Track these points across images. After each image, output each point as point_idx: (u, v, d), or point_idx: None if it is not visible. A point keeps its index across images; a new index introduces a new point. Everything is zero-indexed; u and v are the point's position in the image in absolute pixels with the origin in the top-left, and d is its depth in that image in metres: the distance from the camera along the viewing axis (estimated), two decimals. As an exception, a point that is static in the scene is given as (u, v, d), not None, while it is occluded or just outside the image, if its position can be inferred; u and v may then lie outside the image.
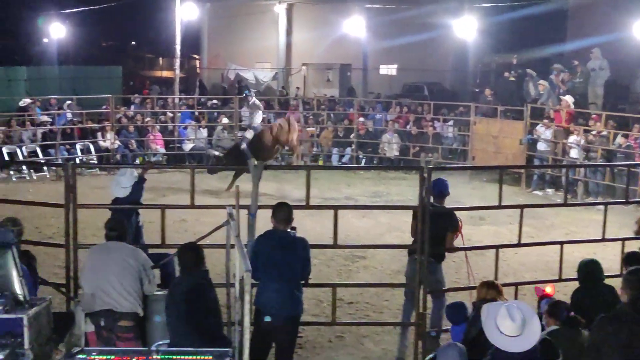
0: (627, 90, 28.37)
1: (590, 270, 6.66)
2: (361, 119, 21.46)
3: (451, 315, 6.76)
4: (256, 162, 7.09)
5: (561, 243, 8.51)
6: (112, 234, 6.76)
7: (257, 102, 18.44)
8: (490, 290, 6.19)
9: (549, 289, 6.69)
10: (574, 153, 17.44)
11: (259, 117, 18.15)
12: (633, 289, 5.25)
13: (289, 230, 6.72)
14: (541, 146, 18.24)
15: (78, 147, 19.88)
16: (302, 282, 6.84)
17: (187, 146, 21.16)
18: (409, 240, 11.10)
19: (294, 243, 6.69)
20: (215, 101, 24.99)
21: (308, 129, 21.73)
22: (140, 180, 8.04)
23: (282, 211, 6.75)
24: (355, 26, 26.09)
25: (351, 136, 21.16)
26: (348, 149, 21.28)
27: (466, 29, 20.98)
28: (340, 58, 35.14)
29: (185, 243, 6.57)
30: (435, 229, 7.60)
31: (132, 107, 23.08)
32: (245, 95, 19.16)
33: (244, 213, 7.02)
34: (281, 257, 6.58)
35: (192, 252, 6.23)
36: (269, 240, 6.69)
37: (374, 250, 11.79)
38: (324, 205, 12.62)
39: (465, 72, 34.12)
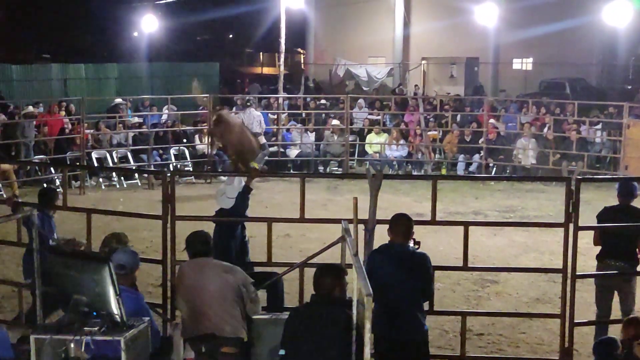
0: None
1: None
2: (492, 121, 21.18)
3: (601, 355, 6.52)
4: (374, 172, 7.11)
5: None
6: (199, 249, 6.81)
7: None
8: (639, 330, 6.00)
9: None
10: None
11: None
12: None
13: (409, 245, 6.73)
14: None
15: (172, 152, 20.47)
16: (425, 304, 6.82)
17: (293, 152, 21.47)
18: (548, 262, 10.91)
19: (414, 259, 6.70)
20: (323, 101, 25.25)
21: (430, 133, 21.63)
22: (246, 190, 8.18)
23: (401, 223, 6.76)
24: (486, 14, 25.79)
25: (480, 141, 20.91)
26: (476, 156, 21.03)
27: (618, 15, 20.31)
28: (466, 51, 34.92)
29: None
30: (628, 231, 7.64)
31: (234, 108, 23.60)
32: None
33: (360, 229, 7.07)
34: (399, 275, 6.60)
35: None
36: (384, 255, 6.71)
37: (507, 274, 11.59)
38: (451, 220, 12.52)
39: (615, 67, 33.17)
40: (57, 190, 10.08)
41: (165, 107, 22.70)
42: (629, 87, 28.50)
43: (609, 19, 21.04)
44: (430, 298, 7.06)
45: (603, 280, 8.62)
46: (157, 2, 34.49)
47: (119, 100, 23.28)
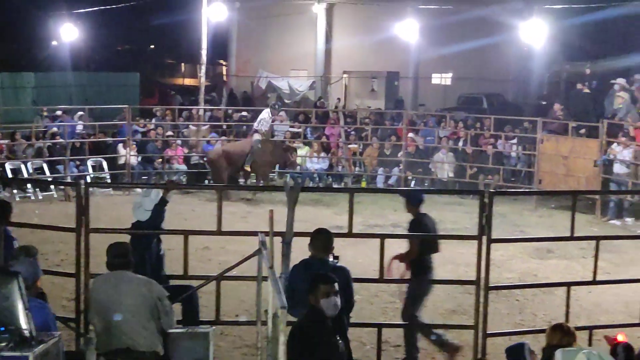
0: None
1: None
2: (411, 134, 21.43)
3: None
4: (293, 184, 7.11)
5: (644, 281, 8.41)
6: (117, 262, 6.73)
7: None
8: (566, 337, 6.12)
9: (620, 336, 6.60)
10: (255, 135, 17.59)
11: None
12: None
13: (329, 259, 6.76)
14: (619, 168, 18.04)
15: (89, 163, 20.16)
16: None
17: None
18: (464, 274, 11.09)
19: (334, 272, 6.71)
20: (244, 113, 25.18)
21: (350, 146, 21.78)
22: (162, 202, 8.11)
23: (321, 238, 6.79)
24: (406, 30, 26.15)
25: (399, 155, 21.14)
26: (395, 169, 21.26)
27: (533, 33, 20.83)
28: (386, 65, 35.26)
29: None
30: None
31: (154, 119, 23.37)
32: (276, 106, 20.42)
33: (277, 241, 7.07)
34: None
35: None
36: (305, 270, 6.73)
37: (424, 286, 11.71)
38: (368, 233, 12.61)
39: (531, 83, 33.93)
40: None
41: (77, 115, 22.29)
42: (544, 102, 29.15)
43: (524, 36, 21.56)
44: (351, 310, 7.09)
45: None
46: (76, 11, 33.90)
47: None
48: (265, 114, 19.76)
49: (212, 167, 19.30)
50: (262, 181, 19.59)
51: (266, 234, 6.71)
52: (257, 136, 19.33)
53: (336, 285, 5.99)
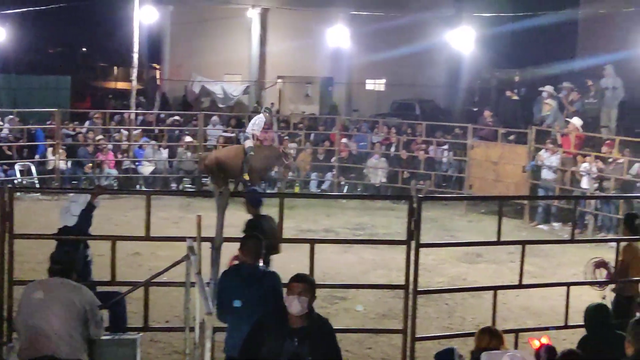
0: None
1: (597, 316, 6.69)
2: (344, 140, 21.52)
3: None
4: (221, 189, 7.06)
5: (568, 285, 8.55)
6: (56, 268, 6.67)
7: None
8: (493, 340, 6.19)
9: (544, 339, 6.72)
10: (585, 182, 17.59)
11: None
12: (639, 342, 5.29)
13: (259, 265, 6.74)
14: (546, 174, 18.38)
15: (17, 167, 19.76)
16: None
17: (147, 169, 21.10)
18: (396, 278, 11.14)
19: (264, 278, 6.70)
20: (177, 117, 24.98)
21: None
22: (90, 208, 7.99)
23: (251, 243, 6.76)
24: (338, 36, 26.32)
25: (332, 160, 21.21)
26: (328, 174, 21.32)
27: (463, 41, 21.14)
28: (321, 71, 35.34)
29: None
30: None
31: (87, 122, 23.02)
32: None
33: (206, 246, 7.02)
34: (250, 295, 6.58)
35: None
36: (235, 276, 6.70)
37: (356, 291, 11.77)
38: (299, 238, 12.60)
39: (462, 90, 34.38)
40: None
41: (8, 118, 21.83)
42: (475, 109, 29.59)
43: (455, 44, 21.85)
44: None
45: None
46: (3, 12, 33.16)
47: None
48: (259, 118, 19.66)
49: (207, 173, 19.36)
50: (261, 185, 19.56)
51: (194, 239, 6.65)
52: (249, 142, 19.13)
53: (307, 287, 5.96)
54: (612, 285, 8.87)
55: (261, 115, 19.90)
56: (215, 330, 6.43)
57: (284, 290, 6.03)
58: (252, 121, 19.56)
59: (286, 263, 12.17)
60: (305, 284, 6.01)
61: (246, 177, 19.13)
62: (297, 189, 21.17)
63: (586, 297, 9.54)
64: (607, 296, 8.76)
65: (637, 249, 8.88)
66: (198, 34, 34.95)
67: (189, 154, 21.23)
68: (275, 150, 19.68)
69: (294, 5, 32.92)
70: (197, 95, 32.61)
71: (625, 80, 21.26)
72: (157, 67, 42.87)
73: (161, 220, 15.39)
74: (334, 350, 6.08)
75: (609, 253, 9.30)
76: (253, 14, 34.52)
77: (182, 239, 7.07)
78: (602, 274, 9.05)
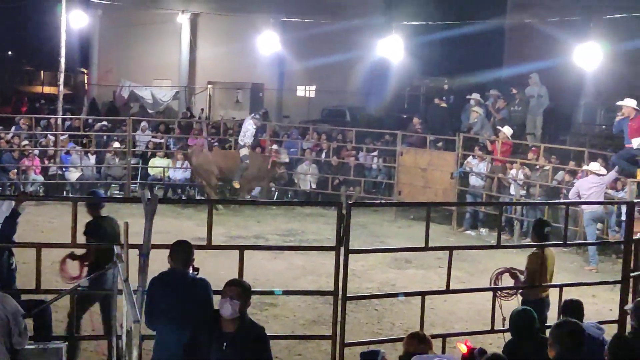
0: (568, 121, 29.49)
1: (522, 320, 6.81)
2: (274, 146, 21.49)
3: None
4: (149, 196, 6.98)
5: (494, 289, 8.68)
6: None
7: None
8: (421, 345, 6.24)
9: (463, 346, 6.84)
10: (512, 189, 17.91)
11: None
12: (561, 345, 5.41)
13: (189, 271, 6.69)
14: (474, 181, 18.66)
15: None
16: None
17: (74, 175, 20.75)
18: (325, 284, 11.18)
19: (194, 285, 6.66)
20: (105, 123, 24.63)
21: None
22: (14, 215, 7.83)
23: (180, 250, 6.72)
24: (269, 41, 26.31)
25: (262, 166, 21.14)
26: (259, 181, 21.26)
27: (392, 49, 21.37)
28: (251, 77, 35.31)
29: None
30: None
31: (13, 128, 22.53)
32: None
33: (134, 253, 6.94)
34: (179, 302, 6.53)
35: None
36: (164, 283, 6.64)
37: (286, 297, 11.77)
38: (228, 245, 12.56)
39: (392, 97, 34.69)
40: None
41: None
42: (404, 116, 29.85)
43: (384, 52, 22.08)
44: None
45: None
46: None
47: None
48: (248, 125, 19.59)
49: (195, 172, 19.64)
50: (246, 196, 19.53)
51: (121, 246, 6.58)
52: (244, 150, 19.22)
53: (240, 291, 6.05)
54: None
55: (250, 121, 19.82)
56: (144, 337, 6.39)
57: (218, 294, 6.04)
58: (243, 129, 19.60)
59: (216, 270, 12.18)
60: (238, 288, 6.06)
61: (236, 185, 19.25)
62: (226, 195, 21.02)
63: (513, 302, 9.74)
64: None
65: (543, 257, 9.05)
66: (127, 39, 34.61)
67: (117, 160, 20.94)
68: (267, 160, 19.72)
69: (224, 11, 32.80)
70: (126, 101, 32.24)
71: (550, 89, 21.71)
72: (86, 71, 42.24)
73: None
74: (264, 357, 6.09)
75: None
76: (183, 19, 34.31)
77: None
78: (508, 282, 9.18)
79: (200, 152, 19.84)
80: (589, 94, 30.26)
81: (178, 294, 6.56)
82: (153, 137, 22.87)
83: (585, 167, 16.04)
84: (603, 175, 15.45)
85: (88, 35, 34.86)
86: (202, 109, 32.57)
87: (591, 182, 15.37)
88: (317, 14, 31.05)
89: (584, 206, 15.63)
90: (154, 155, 21.48)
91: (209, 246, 7.89)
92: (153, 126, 24.18)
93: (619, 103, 16.12)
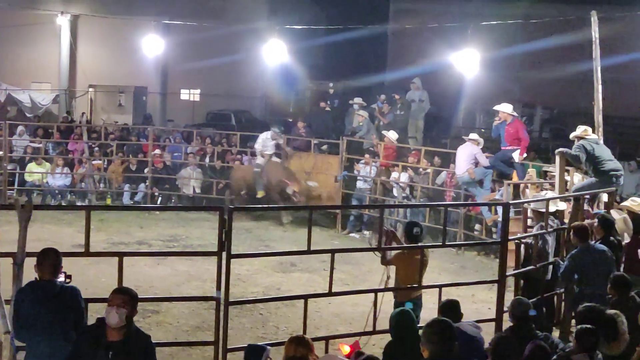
0: (448, 124, 30.28)
1: (401, 321, 6.94)
2: (157, 150, 21.20)
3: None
4: (23, 203, 6.79)
5: (375, 291, 8.80)
6: None
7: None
8: (300, 347, 6.27)
9: (346, 347, 6.91)
10: (395, 192, 18.23)
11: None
12: (433, 343, 5.54)
13: (58, 280, 6.55)
14: (359, 184, 18.89)
15: None
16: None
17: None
18: (210, 290, 11.09)
19: (62, 293, 6.55)
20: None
21: (94, 162, 21.12)
22: None
23: (47, 258, 6.58)
24: (152, 44, 25.94)
25: (145, 171, 20.84)
26: (142, 186, 20.93)
27: (277, 53, 21.44)
28: (134, 80, 34.74)
29: None
30: None
31: None
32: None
33: (7, 262, 6.73)
34: (48, 312, 6.41)
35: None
36: (31, 292, 6.49)
37: (169, 304, 11.64)
38: (105, 252, 12.30)
39: (277, 100, 34.80)
40: None
41: None
42: (290, 120, 29.96)
43: (268, 56, 22.18)
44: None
45: None
46: None
47: None
48: (266, 135, 19.36)
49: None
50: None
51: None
52: (260, 160, 19.16)
53: (127, 299, 5.97)
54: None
55: (270, 132, 19.65)
56: (18, 349, 6.20)
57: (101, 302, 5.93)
58: (261, 140, 19.40)
59: (98, 277, 11.96)
60: (125, 296, 6.01)
61: (261, 194, 18.89)
62: (108, 201, 20.63)
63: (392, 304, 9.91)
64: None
65: (409, 257, 9.27)
66: (3, 40, 33.45)
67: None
68: (281, 174, 19.04)
69: (105, 13, 32.08)
70: (3, 104, 31.14)
71: (431, 93, 22.21)
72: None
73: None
74: None
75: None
76: (63, 21, 33.38)
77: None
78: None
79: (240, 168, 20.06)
80: (468, 99, 31.19)
81: (46, 303, 6.44)
82: (31, 141, 22.18)
83: (465, 138, 17.28)
84: (479, 146, 16.74)
85: (-40, 36, 33.59)
86: (83, 113, 31.76)
87: (466, 151, 16.57)
88: (200, 17, 30.80)
89: (458, 173, 16.66)
90: (31, 160, 20.85)
91: (87, 253, 7.70)
92: (31, 130, 23.44)
93: (496, 108, 16.65)
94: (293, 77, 33.84)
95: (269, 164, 19.16)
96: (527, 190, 14.69)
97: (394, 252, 9.35)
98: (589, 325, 6.71)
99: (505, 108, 16.37)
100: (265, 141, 19.35)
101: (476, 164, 16.46)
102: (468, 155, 16.53)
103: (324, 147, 20.62)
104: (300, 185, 18.80)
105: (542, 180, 15.00)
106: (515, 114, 16.78)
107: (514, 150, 16.01)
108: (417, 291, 9.28)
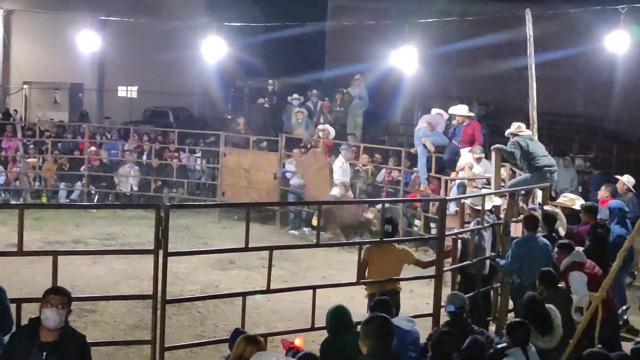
0: (387, 121, 30.47)
1: (337, 318, 6.95)
2: (93, 148, 20.90)
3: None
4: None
5: (314, 288, 8.80)
6: None
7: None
8: (249, 347, 6.19)
9: (297, 341, 6.88)
10: (334, 190, 18.23)
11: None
12: (370, 339, 5.57)
13: None
14: (294, 181, 18.86)
15: None
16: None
17: None
18: (147, 288, 10.95)
19: None
20: None
21: (29, 160, 20.72)
22: None
23: None
24: (88, 41, 25.56)
25: (82, 169, 20.53)
26: (78, 184, 20.61)
27: (215, 50, 21.30)
28: (70, 77, 34.21)
29: None
30: None
31: None
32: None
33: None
34: None
35: None
36: None
37: (106, 303, 11.48)
38: (41, 251, 12.06)
39: (215, 98, 34.63)
40: None
41: None
42: (229, 117, 29.82)
43: (206, 53, 22.01)
44: (10, 329, 6.71)
45: None
46: None
47: None
48: (340, 161, 17.06)
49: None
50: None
51: None
52: (335, 191, 16.83)
53: (64, 300, 5.94)
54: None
55: (340, 156, 17.23)
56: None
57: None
58: (338, 168, 16.93)
59: (33, 277, 11.73)
60: (64, 297, 5.92)
61: (314, 222, 17.01)
62: (44, 199, 20.29)
63: (334, 299, 9.94)
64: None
65: (381, 252, 9.35)
66: None
67: None
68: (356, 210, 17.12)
69: (40, 9, 31.50)
70: None
71: (370, 90, 22.31)
72: None
73: None
74: None
75: (356, 256, 9.60)
76: (-5, 17, 32.77)
77: None
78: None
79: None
80: (406, 96, 31.43)
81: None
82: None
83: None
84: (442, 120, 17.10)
85: None
86: (16, 110, 31.16)
87: (431, 117, 17.10)
88: (137, 13, 30.44)
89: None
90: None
91: (20, 253, 7.53)
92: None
93: (451, 111, 16.69)
94: (231, 74, 33.70)
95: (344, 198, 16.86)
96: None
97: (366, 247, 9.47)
98: (518, 319, 6.83)
99: (461, 110, 16.46)
100: (343, 168, 17.00)
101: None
102: (431, 118, 16.85)
103: (263, 144, 20.56)
104: (375, 211, 16.69)
105: (477, 177, 15.22)
106: (472, 114, 16.92)
107: (464, 148, 16.15)
108: (391, 285, 9.35)
